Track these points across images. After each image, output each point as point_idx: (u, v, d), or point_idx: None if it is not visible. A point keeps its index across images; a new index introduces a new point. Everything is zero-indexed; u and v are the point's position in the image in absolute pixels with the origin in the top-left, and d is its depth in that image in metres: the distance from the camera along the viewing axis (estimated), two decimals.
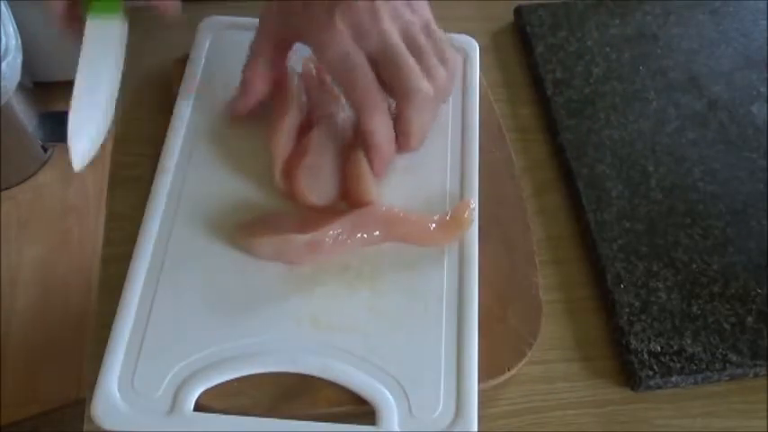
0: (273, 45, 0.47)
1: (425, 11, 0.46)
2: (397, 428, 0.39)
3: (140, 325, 0.42)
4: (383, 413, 0.40)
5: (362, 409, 0.40)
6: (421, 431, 0.40)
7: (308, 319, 0.43)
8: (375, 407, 0.40)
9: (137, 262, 0.44)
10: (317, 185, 0.47)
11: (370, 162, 0.46)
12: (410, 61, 0.44)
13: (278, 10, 0.46)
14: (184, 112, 0.51)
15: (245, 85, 0.48)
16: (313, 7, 0.44)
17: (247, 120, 0.50)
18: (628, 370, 0.45)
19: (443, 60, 0.46)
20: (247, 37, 0.50)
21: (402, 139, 0.47)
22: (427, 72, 0.44)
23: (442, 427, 0.40)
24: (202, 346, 0.41)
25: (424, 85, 0.44)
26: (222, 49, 0.55)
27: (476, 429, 0.40)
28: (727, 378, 0.45)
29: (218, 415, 0.40)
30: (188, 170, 0.48)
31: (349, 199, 0.47)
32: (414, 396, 0.40)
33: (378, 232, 0.45)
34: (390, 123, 0.45)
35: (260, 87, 0.48)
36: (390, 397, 0.40)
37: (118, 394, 0.40)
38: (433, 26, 0.46)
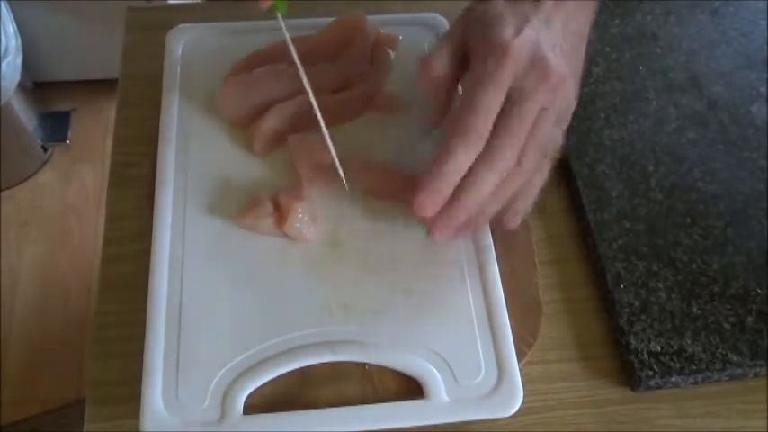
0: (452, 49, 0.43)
1: (572, 101, 0.42)
2: (445, 398, 0.40)
3: (173, 338, 0.42)
4: (430, 385, 0.41)
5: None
6: (469, 396, 0.41)
7: (338, 307, 0.43)
8: (421, 381, 0.41)
9: (155, 278, 0.44)
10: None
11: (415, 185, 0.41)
12: (522, 136, 0.39)
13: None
14: (171, 135, 0.50)
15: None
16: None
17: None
18: (628, 370, 0.45)
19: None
20: (218, 41, 0.52)
21: (458, 193, 0.40)
22: (523, 154, 0.40)
23: (487, 389, 0.41)
24: (239, 350, 0.41)
25: (512, 158, 0.39)
26: (196, 55, 0.53)
27: (520, 384, 0.41)
28: (727, 378, 0.45)
29: (269, 414, 0.40)
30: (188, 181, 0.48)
31: None
32: (456, 365, 0.41)
33: None
34: (459, 176, 0.40)
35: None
36: (434, 369, 0.41)
37: (164, 410, 0.40)
38: (566, 117, 0.42)
